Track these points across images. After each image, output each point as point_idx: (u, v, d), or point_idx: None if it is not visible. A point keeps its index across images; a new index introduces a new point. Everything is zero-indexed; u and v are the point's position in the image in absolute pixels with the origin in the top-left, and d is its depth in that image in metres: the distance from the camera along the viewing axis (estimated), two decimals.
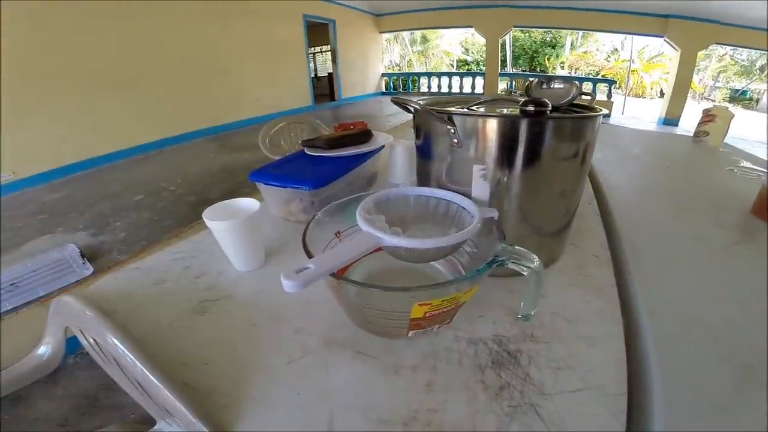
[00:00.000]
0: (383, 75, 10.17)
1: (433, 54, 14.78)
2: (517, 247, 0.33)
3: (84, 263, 1.69)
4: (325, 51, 9.59)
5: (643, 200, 0.81)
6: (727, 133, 1.35)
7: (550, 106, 0.39)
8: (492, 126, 0.43)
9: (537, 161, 0.44)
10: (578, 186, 0.51)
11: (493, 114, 0.44)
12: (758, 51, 7.24)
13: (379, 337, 0.39)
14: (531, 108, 0.38)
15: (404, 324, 0.33)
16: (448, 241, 0.32)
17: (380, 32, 9.41)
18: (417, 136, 0.55)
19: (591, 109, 0.53)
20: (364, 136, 0.92)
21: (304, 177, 0.70)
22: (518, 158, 0.44)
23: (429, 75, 9.80)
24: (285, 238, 0.65)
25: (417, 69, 13.74)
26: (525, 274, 0.33)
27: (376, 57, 9.59)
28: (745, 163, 1.07)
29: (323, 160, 0.81)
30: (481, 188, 0.45)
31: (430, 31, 12.88)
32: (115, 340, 0.35)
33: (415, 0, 7.63)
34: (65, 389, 1.06)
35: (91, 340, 0.41)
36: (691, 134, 1.42)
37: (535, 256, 0.33)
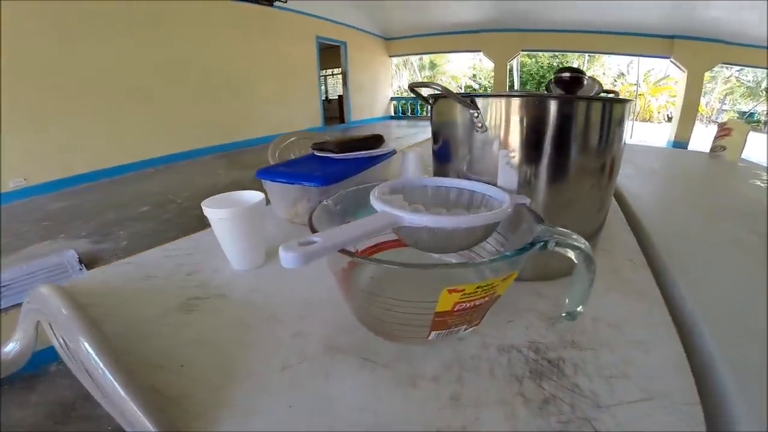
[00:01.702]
0: (392, 99, 10.33)
1: (441, 79, 15.09)
2: (559, 228, 0.28)
3: (81, 269, 1.65)
4: (336, 74, 9.81)
5: (670, 209, 0.79)
6: (744, 147, 1.30)
7: (585, 73, 0.34)
8: (519, 107, 0.39)
9: (568, 147, 0.40)
10: (610, 180, 0.46)
11: (521, 93, 0.40)
12: (763, 71, 7.26)
13: (391, 341, 0.33)
14: (566, 75, 0.34)
15: (426, 321, 0.27)
16: (479, 220, 0.27)
17: (390, 56, 9.62)
18: (435, 126, 0.52)
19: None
20: (375, 140, 0.88)
21: (314, 175, 0.66)
22: (547, 144, 0.40)
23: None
24: (290, 239, 0.60)
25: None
26: (572, 257, 0.27)
27: (385, 81, 9.78)
28: (767, 176, 1.03)
29: (333, 161, 0.77)
30: (507, 176, 0.40)
31: (439, 56, 13.18)
32: (80, 336, 0.30)
33: (425, 13, 7.75)
34: (42, 396, 1.00)
35: (61, 339, 0.36)
36: (705, 153, 1.38)
37: (582, 238, 0.27)
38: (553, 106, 0.39)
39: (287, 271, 0.49)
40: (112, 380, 0.26)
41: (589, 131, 0.40)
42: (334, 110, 9.04)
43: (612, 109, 0.41)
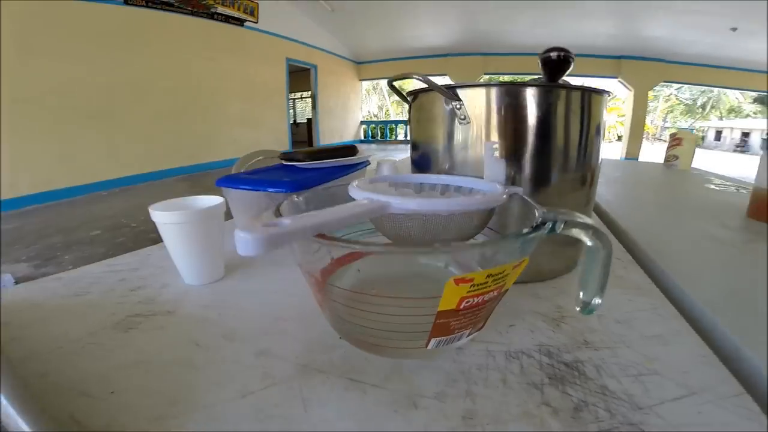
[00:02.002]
0: (362, 123, 10.45)
1: None
2: (561, 209, 0.24)
3: None
4: (306, 97, 9.83)
5: (642, 212, 0.81)
6: (694, 155, 1.40)
7: (572, 54, 0.33)
8: (502, 96, 0.38)
9: (551, 137, 0.39)
10: (594, 173, 0.44)
11: (503, 83, 0.38)
12: (698, 89, 8.07)
13: (380, 356, 0.28)
14: (554, 54, 0.33)
15: (425, 326, 0.22)
16: (477, 203, 0.23)
17: (360, 80, 9.79)
18: (413, 125, 0.49)
19: None
20: (348, 150, 0.84)
21: (282, 181, 0.60)
22: (530, 134, 0.38)
23: (406, 123, 10.12)
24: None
25: (394, 118, 14.25)
26: (584, 237, 0.24)
27: (355, 105, 9.89)
28: (719, 181, 1.13)
29: (303, 170, 0.72)
30: (495, 168, 0.38)
31: (407, 81, 13.56)
32: None
33: (395, 38, 7.98)
34: None
35: None
36: (660, 163, 1.48)
37: (588, 218, 0.24)
38: (535, 94, 0.38)
39: (249, 284, 0.43)
40: (11, 407, 0.19)
41: (570, 120, 0.39)
42: (303, 134, 9.00)
43: (591, 99, 0.40)
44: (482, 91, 0.39)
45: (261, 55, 6.11)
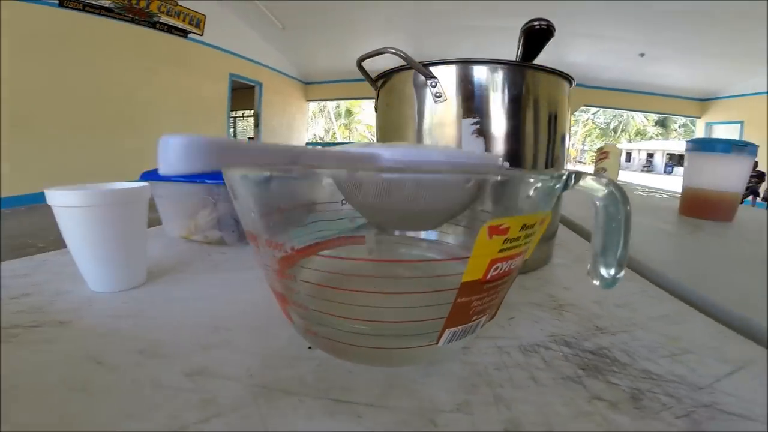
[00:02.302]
0: (308, 144, 10.32)
1: (356, 128, 15.76)
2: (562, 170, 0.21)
3: None
4: (248, 116, 9.49)
5: (590, 214, 0.88)
6: (619, 167, 1.54)
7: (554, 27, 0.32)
8: (478, 73, 0.37)
9: (523, 117, 0.38)
10: (563, 159, 0.44)
11: (477, 60, 0.36)
12: (611, 113, 8.96)
13: (368, 366, 0.22)
14: (536, 24, 0.32)
15: (439, 309, 0.17)
16: (478, 159, 0.19)
17: (308, 101, 9.72)
18: (383, 107, 0.45)
19: None
20: None
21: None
22: (506, 110, 0.37)
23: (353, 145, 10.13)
24: (184, 258, 0.45)
25: (341, 140, 14.30)
26: (599, 188, 0.21)
27: (301, 125, 9.75)
28: (643, 189, 1.28)
29: None
30: (473, 146, 0.35)
31: (355, 104, 13.83)
32: None
33: (344, 58, 8.04)
34: None
35: None
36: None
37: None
38: (510, 72, 0.37)
39: (179, 290, 0.33)
40: None
41: (539, 100, 0.39)
42: None
43: (558, 82, 0.40)
44: (456, 68, 0.37)
45: (203, 69, 5.80)
